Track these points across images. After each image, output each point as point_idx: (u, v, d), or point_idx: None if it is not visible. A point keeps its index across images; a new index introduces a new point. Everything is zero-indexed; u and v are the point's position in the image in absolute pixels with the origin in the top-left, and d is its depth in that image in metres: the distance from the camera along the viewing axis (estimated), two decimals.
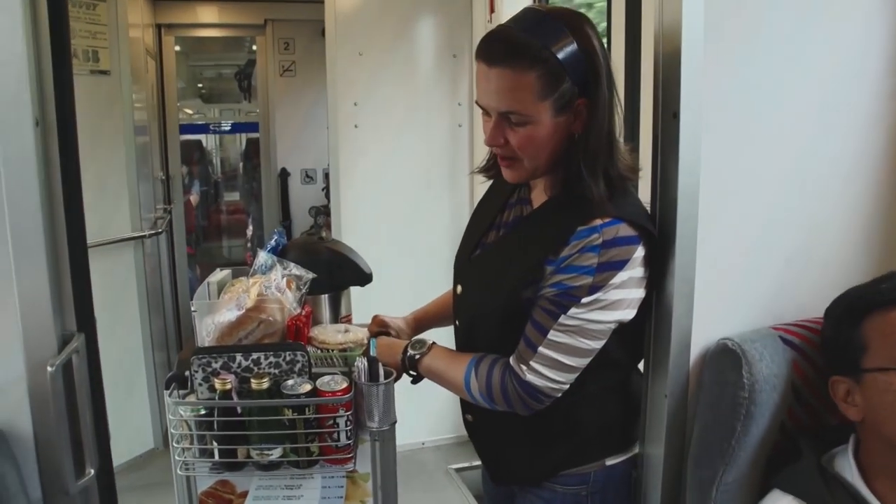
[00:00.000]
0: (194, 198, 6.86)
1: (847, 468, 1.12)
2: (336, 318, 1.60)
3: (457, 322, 1.44)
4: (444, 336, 1.59)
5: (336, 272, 1.56)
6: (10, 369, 0.90)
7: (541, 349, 1.21)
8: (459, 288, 1.41)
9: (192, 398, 1.32)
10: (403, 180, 3.38)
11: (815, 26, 1.27)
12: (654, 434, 1.31)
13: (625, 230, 1.17)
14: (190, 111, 7.24)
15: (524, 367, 1.23)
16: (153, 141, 4.40)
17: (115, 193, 3.28)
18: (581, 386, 1.26)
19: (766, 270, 1.31)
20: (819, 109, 1.30)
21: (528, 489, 1.40)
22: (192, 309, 1.40)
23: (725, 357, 1.20)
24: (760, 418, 1.18)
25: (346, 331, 1.50)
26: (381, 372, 1.33)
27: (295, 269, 1.47)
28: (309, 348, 1.42)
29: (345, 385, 1.30)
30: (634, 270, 1.18)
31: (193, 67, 8.05)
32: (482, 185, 1.52)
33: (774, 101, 1.26)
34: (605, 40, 2.64)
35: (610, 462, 1.34)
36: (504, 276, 1.28)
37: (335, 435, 1.31)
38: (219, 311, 1.38)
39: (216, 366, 1.29)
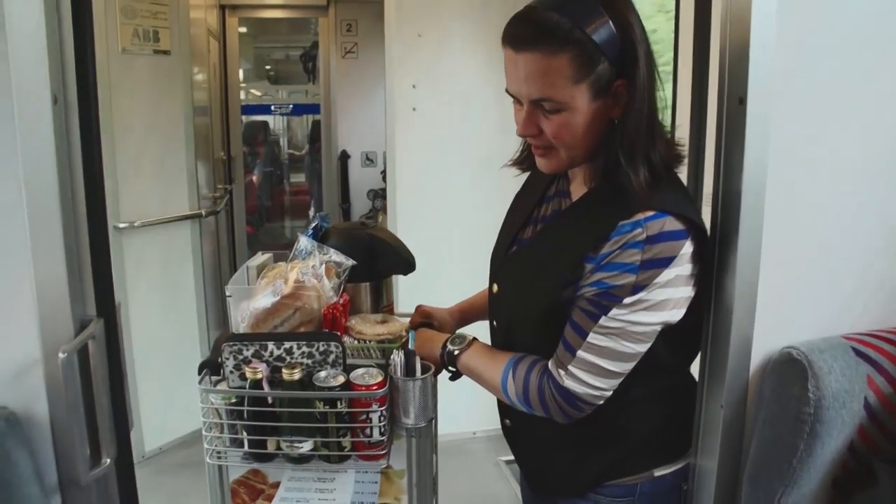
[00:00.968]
0: (256, 178, 6.96)
1: None
2: (377, 307, 1.55)
3: (494, 322, 1.37)
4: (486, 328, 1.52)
5: (378, 260, 1.50)
6: (26, 354, 0.88)
7: (580, 353, 1.13)
8: (496, 286, 1.34)
9: (224, 385, 1.29)
10: (460, 166, 3.30)
11: None
12: (707, 446, 1.22)
13: (671, 224, 1.07)
14: (258, 93, 7.32)
15: (562, 373, 1.15)
16: (214, 121, 4.44)
17: (173, 173, 3.31)
18: (626, 391, 1.17)
19: (840, 274, 1.19)
20: None
21: (570, 499, 1.32)
22: (227, 294, 1.37)
23: (789, 368, 1.10)
24: (827, 438, 1.07)
25: (385, 321, 1.45)
26: (419, 366, 1.28)
27: (335, 256, 1.42)
28: (346, 339, 1.38)
29: (380, 379, 1.25)
30: (682, 267, 1.09)
31: (260, 49, 8.14)
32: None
33: (854, 91, 1.14)
34: (672, 18, 2.50)
35: (658, 473, 1.25)
36: (541, 274, 1.20)
37: (368, 430, 1.26)
38: (254, 296, 1.34)
39: (248, 354, 1.26)
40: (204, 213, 3.45)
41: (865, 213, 1.18)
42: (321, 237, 1.51)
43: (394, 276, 1.64)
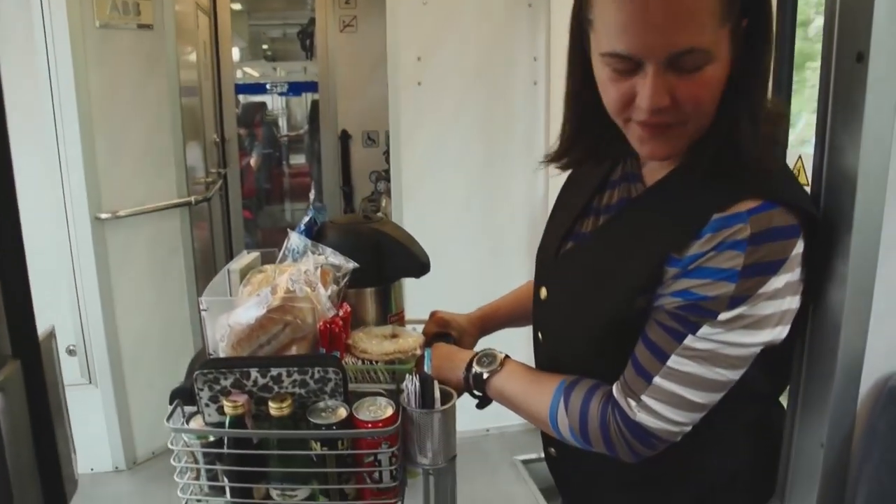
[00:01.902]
0: (255, 161, 6.73)
1: None
2: (384, 317, 1.30)
3: (539, 335, 1.12)
4: (516, 340, 1.28)
5: (385, 260, 1.25)
6: None
7: (657, 380, 0.89)
8: (544, 291, 1.08)
9: (199, 419, 1.05)
10: (471, 145, 3.04)
11: None
12: (801, 492, 0.97)
13: (780, 217, 0.83)
14: (255, 73, 7.07)
15: (633, 403, 0.91)
16: (206, 103, 4.19)
17: (159, 158, 3.06)
18: (706, 423, 0.93)
19: None
20: None
21: None
22: (202, 307, 1.12)
23: None
24: None
25: (395, 335, 1.20)
26: (438, 395, 1.04)
27: (332, 257, 1.18)
28: (348, 359, 1.14)
29: (390, 412, 1.01)
30: (792, 273, 0.84)
31: (256, 27, 7.89)
32: None
33: None
34: None
35: None
36: (607, 279, 0.95)
37: (376, 475, 1.02)
38: (235, 309, 1.10)
39: (226, 383, 1.02)
40: (194, 200, 3.20)
41: None
42: (316, 234, 1.26)
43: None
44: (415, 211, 3.04)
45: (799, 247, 0.84)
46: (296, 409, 1.01)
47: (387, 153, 4.93)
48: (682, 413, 0.89)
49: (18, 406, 0.71)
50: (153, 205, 3.00)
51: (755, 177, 0.85)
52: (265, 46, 8.48)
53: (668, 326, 0.88)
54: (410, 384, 1.03)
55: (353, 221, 1.34)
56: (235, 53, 6.38)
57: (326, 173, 5.52)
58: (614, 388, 0.94)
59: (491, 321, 1.36)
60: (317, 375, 1.01)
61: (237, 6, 6.52)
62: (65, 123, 2.67)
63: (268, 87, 6.71)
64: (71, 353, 2.88)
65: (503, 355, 1.09)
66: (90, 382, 2.93)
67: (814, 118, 0.93)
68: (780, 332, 0.87)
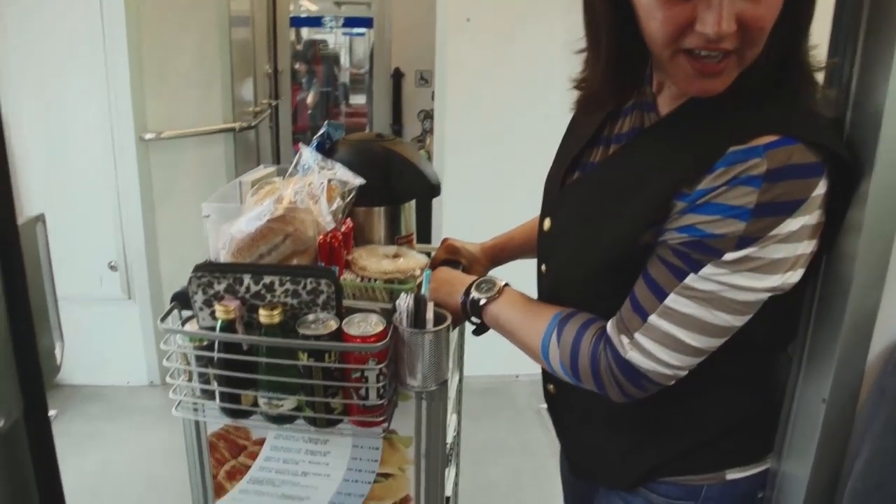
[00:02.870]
0: (311, 97, 6.72)
1: None
2: (392, 238, 1.28)
3: (542, 266, 1.08)
4: (530, 272, 1.24)
5: (394, 180, 1.22)
6: None
7: (652, 318, 0.84)
8: (548, 222, 1.03)
9: (194, 323, 1.06)
10: (520, 86, 2.93)
11: None
12: (798, 448, 0.93)
13: (800, 154, 0.76)
14: (312, 7, 7.00)
15: (626, 340, 0.87)
16: (259, 33, 4.16)
17: (206, 84, 3.08)
18: (707, 368, 0.88)
19: None
20: None
21: (615, 492, 1.05)
22: (204, 213, 1.12)
23: None
24: None
25: (397, 256, 1.18)
26: (431, 316, 1.01)
27: (341, 173, 1.15)
28: (347, 275, 1.12)
29: (380, 328, 0.99)
30: (810, 216, 0.78)
31: None
32: None
33: None
34: None
35: (731, 476, 0.97)
36: (613, 210, 0.90)
37: (363, 391, 1.01)
38: (237, 218, 1.09)
39: (219, 288, 1.01)
40: (238, 127, 3.20)
41: None
42: (328, 150, 1.24)
43: (436, 209, 1.36)
44: (457, 151, 2.98)
45: (821, 188, 0.78)
46: (287, 319, 1.00)
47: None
48: (677, 356, 0.85)
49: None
50: (197, 129, 3.02)
51: (777, 110, 0.79)
52: None
53: (670, 263, 0.83)
54: (404, 303, 1.00)
55: (366, 139, 1.31)
56: None
57: (378, 112, 5.48)
58: (609, 323, 0.90)
59: (504, 251, 1.33)
60: (309, 287, 1.00)
61: None
62: (114, 43, 2.68)
63: (323, 20, 6.65)
64: (112, 268, 2.96)
65: (503, 283, 1.06)
66: (129, 298, 3.01)
67: None
68: (791, 277, 0.81)
